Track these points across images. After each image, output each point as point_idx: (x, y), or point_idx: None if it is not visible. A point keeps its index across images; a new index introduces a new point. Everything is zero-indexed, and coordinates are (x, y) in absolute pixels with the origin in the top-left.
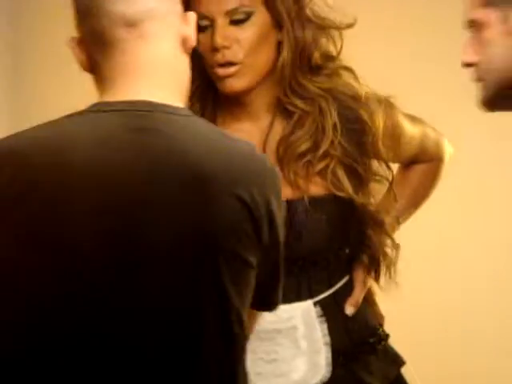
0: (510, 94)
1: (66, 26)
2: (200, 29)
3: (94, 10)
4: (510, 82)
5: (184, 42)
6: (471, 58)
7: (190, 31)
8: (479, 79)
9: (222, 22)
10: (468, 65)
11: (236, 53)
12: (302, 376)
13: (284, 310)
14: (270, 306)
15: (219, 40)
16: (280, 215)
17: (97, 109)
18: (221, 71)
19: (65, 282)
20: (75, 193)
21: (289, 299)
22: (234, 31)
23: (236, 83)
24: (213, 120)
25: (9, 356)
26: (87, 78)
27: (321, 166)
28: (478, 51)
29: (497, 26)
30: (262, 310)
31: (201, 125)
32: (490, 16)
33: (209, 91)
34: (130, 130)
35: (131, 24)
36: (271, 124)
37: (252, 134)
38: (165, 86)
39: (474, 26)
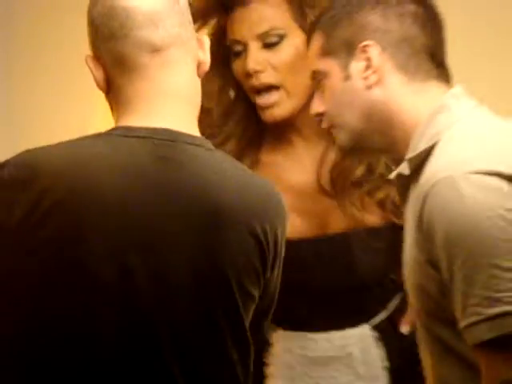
0: (361, 138)
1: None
2: (235, 54)
3: (118, 33)
4: (358, 125)
5: (199, 66)
6: (319, 108)
7: (205, 56)
8: (330, 127)
9: (254, 46)
10: (319, 114)
11: (271, 76)
12: None
13: (338, 336)
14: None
15: (251, 64)
16: (283, 245)
17: (120, 133)
18: (261, 101)
19: (82, 306)
20: (98, 219)
21: (342, 326)
22: (267, 55)
23: (276, 111)
24: (258, 144)
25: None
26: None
27: (380, 195)
28: (325, 100)
29: (337, 74)
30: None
31: (219, 158)
32: (332, 64)
33: (253, 116)
34: (154, 160)
35: (156, 50)
36: (325, 151)
37: (304, 160)
38: (184, 113)
39: (318, 76)
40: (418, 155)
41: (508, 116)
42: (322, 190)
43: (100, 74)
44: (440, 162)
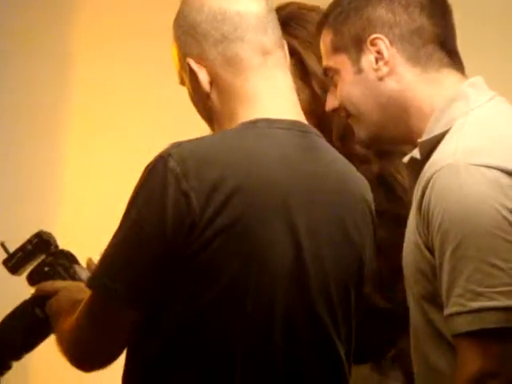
0: (377, 128)
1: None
2: None
3: (232, 36)
4: (373, 115)
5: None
6: (333, 103)
7: (288, 57)
8: (347, 116)
9: None
10: (335, 110)
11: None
12: None
13: None
14: None
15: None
16: None
17: (264, 125)
18: None
19: (257, 284)
20: (270, 207)
21: None
22: None
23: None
24: None
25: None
26: None
27: None
28: (338, 94)
29: (349, 68)
30: None
31: (327, 144)
32: (343, 60)
33: None
34: (300, 149)
35: (267, 52)
36: None
37: None
38: (298, 107)
39: (330, 72)
40: (431, 139)
41: None
42: None
43: (205, 76)
44: (447, 148)
